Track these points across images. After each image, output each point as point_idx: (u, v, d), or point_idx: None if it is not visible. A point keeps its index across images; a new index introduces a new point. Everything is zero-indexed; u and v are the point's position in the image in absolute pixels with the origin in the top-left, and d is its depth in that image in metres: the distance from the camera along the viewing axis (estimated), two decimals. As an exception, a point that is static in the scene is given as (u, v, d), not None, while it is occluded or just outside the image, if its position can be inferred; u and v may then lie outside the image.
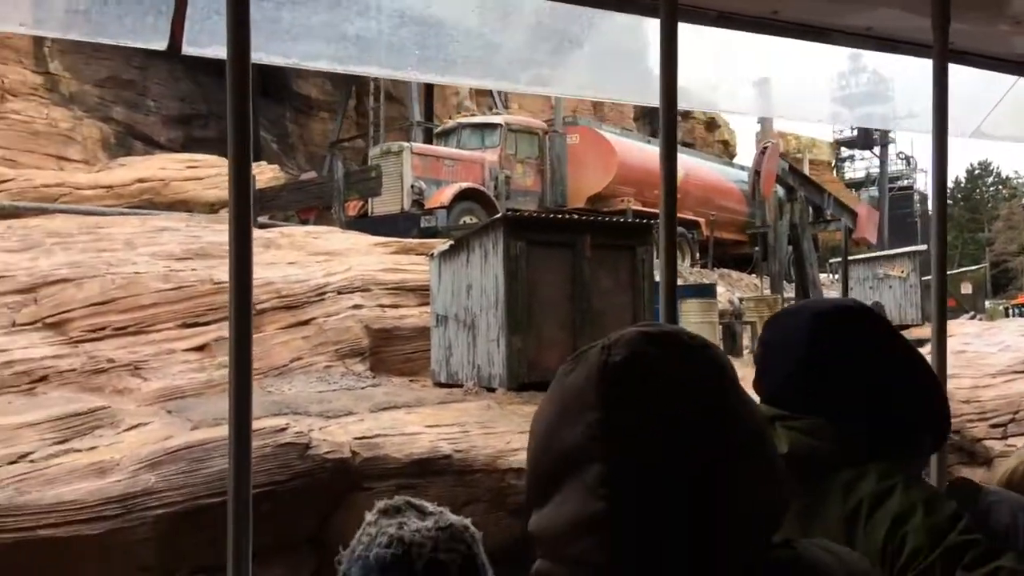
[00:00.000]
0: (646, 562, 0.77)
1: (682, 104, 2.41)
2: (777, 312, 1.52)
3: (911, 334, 18.19)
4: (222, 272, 9.68)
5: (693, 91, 2.74)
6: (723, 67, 2.74)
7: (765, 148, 18.04)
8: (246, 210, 1.68)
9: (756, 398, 1.30)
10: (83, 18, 1.90)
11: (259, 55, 1.89)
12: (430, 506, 1.27)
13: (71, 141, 18.31)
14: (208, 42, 1.92)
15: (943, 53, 2.24)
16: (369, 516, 1.27)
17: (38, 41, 18.52)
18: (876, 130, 37.12)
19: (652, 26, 2.12)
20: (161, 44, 1.91)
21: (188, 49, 1.92)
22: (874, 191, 32.10)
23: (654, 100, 2.13)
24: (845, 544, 1.04)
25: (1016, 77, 2.79)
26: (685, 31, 2.10)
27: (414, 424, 7.06)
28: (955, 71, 2.37)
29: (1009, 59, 2.66)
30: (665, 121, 2.10)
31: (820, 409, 1.30)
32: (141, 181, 15.55)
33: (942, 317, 2.27)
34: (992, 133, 3.14)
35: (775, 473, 0.84)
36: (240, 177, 1.66)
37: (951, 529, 1.19)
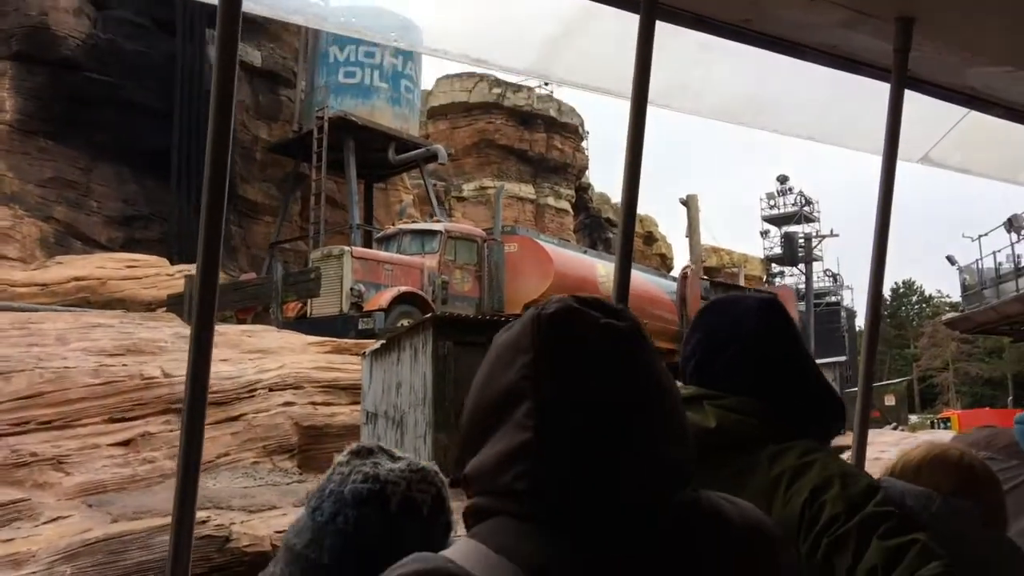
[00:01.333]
0: (565, 490, 0.82)
1: (653, 101, 2.44)
2: (710, 302, 1.61)
3: (832, 442, 18.64)
4: (152, 368, 9.74)
5: (667, 90, 2.69)
6: (700, 70, 2.68)
7: (685, 274, 18.81)
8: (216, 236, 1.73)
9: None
10: None
11: (248, 3, 1.89)
12: (398, 451, 1.28)
13: (9, 239, 18.27)
14: None
15: (901, 78, 2.33)
16: (340, 457, 1.27)
17: (-17, 141, 18.71)
18: (801, 247, 38.79)
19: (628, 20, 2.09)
20: None
21: None
22: (802, 306, 33.32)
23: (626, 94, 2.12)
24: (765, 511, 1.08)
25: (966, 109, 2.83)
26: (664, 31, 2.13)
27: (337, 518, 7.11)
28: (909, 97, 2.45)
29: (962, 91, 2.71)
30: (634, 116, 2.06)
31: (750, 389, 1.39)
32: (78, 279, 15.57)
33: (864, 424, 2.37)
34: (940, 161, 3.17)
35: (683, 430, 0.90)
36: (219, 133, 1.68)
37: (867, 501, 1.24)
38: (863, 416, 2.39)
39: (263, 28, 23.09)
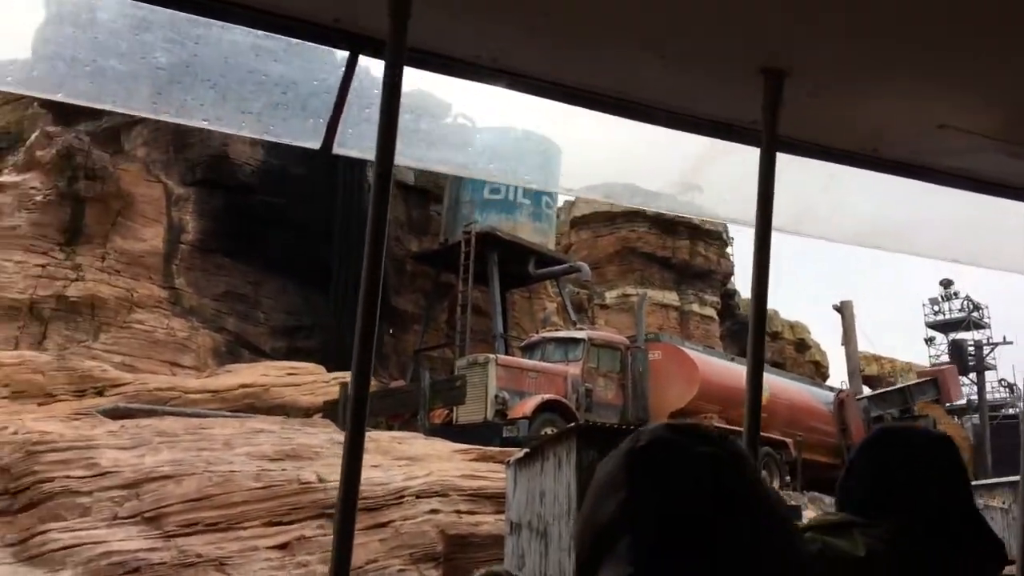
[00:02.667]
0: None
1: (786, 228, 2.47)
2: (879, 432, 1.63)
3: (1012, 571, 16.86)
4: (309, 473, 10.18)
5: (798, 217, 2.73)
6: (831, 196, 2.69)
7: (841, 400, 17.98)
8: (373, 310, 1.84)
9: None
10: (253, 118, 2.10)
11: (399, 158, 2.07)
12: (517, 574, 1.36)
13: (186, 349, 19.82)
14: (353, 145, 2.15)
15: None
16: None
17: (168, 259, 20.64)
18: (971, 356, 36.24)
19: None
20: (316, 144, 2.11)
21: (338, 149, 2.13)
22: (975, 418, 30.89)
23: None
24: None
25: None
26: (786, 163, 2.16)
27: (481, 630, 7.08)
28: None
29: None
30: (759, 247, 2.09)
31: (901, 520, 1.41)
32: (244, 386, 16.61)
33: None
34: None
35: (795, 556, 0.89)
36: (372, 269, 1.81)
37: None
38: None
39: (416, 149, 24.59)
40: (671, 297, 30.54)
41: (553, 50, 2.00)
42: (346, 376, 16.15)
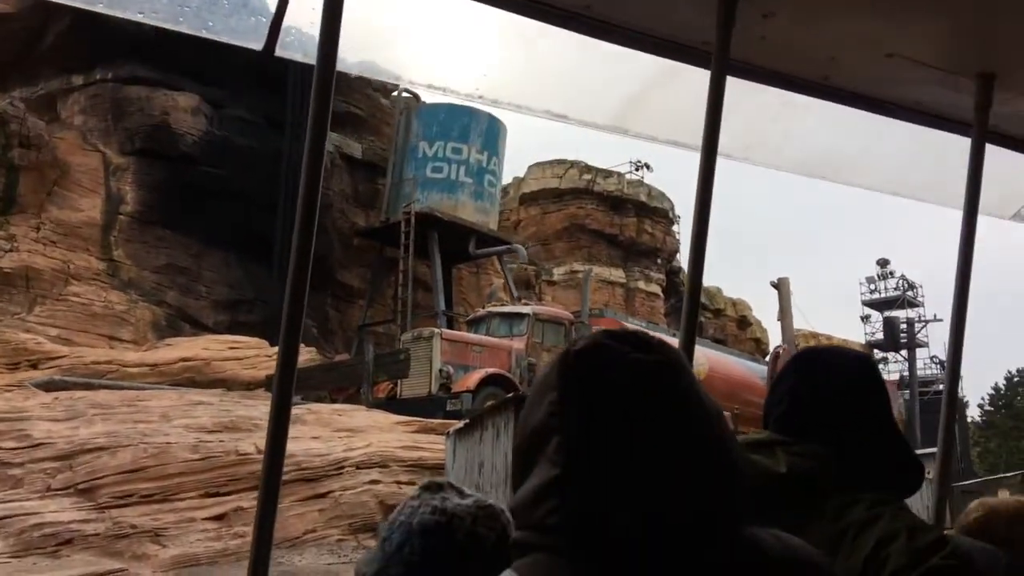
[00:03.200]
0: (593, 525, 0.82)
1: (734, 155, 2.45)
2: (804, 350, 1.61)
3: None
4: (247, 444, 10.14)
5: (746, 143, 2.71)
6: (780, 124, 2.67)
7: (777, 354, 18.40)
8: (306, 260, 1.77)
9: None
10: (192, 13, 2.01)
11: (342, 64, 1.98)
12: (467, 489, 1.32)
13: (125, 322, 19.46)
14: (297, 48, 2.07)
15: (981, 135, 2.31)
16: (412, 491, 1.33)
17: (106, 231, 20.18)
18: (904, 333, 37.28)
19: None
20: (258, 45, 2.04)
21: (280, 52, 2.06)
22: (906, 394, 31.83)
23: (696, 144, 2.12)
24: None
25: None
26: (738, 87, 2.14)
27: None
28: (1000, 153, 2.43)
29: None
30: (704, 171, 2.06)
31: (823, 439, 1.39)
32: (184, 360, 16.40)
33: (943, 487, 2.38)
34: None
35: (725, 466, 0.87)
36: (311, 175, 1.74)
37: (933, 554, 1.22)
38: (942, 476, 2.40)
39: (364, 122, 24.35)
40: (617, 274, 30.85)
41: None
42: (288, 349, 16.02)
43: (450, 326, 19.64)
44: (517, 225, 30.58)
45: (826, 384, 1.45)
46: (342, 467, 10.05)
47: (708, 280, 36.57)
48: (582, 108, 2.52)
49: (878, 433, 1.43)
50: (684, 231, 33.93)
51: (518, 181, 31.89)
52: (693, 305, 2.12)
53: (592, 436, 0.84)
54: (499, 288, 23.19)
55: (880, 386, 1.50)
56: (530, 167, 32.42)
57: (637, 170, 32.15)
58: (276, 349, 1.92)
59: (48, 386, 13.01)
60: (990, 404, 45.28)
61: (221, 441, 10.05)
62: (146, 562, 8.50)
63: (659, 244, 32.60)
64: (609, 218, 31.25)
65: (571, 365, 0.87)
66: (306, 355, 17.18)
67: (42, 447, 10.01)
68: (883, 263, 41.32)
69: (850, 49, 2.19)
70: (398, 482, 10.32)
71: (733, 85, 2.10)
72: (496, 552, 1.19)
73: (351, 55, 2.09)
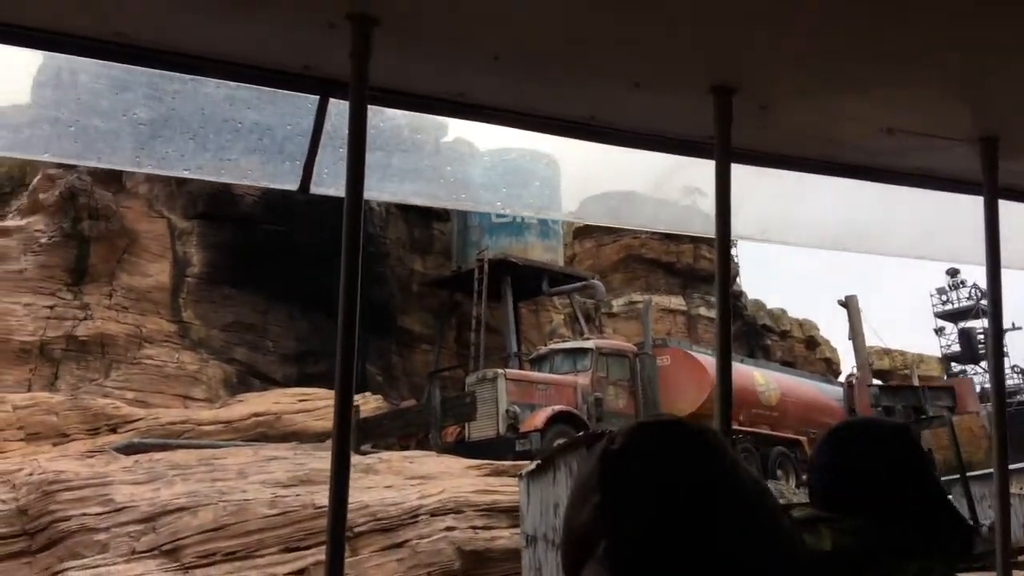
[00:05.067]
0: None
1: (752, 237, 2.60)
2: (841, 424, 1.64)
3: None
4: (322, 497, 10.24)
5: (763, 226, 2.84)
6: (793, 203, 2.78)
7: (851, 383, 17.93)
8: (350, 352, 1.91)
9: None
10: (232, 164, 2.20)
11: (373, 193, 2.22)
12: None
13: (197, 381, 19.94)
14: (331, 184, 2.24)
15: (993, 194, 2.35)
16: None
17: (175, 293, 20.79)
18: (981, 344, 36.07)
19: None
20: (293, 186, 2.22)
21: (315, 189, 2.23)
22: (991, 407, 30.66)
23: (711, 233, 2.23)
24: None
25: None
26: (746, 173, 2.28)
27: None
28: (1020, 208, 2.50)
29: None
30: (720, 257, 2.19)
31: (865, 512, 1.40)
32: (256, 415, 16.70)
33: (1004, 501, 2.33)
34: None
35: (777, 541, 0.88)
36: (348, 304, 1.91)
37: None
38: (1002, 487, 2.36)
39: (415, 169, 24.74)
40: (677, 302, 30.56)
41: (520, 82, 2.05)
42: (355, 398, 16.22)
43: (520, 367, 19.67)
44: (572, 259, 30.57)
45: (863, 457, 1.47)
46: (417, 515, 10.08)
47: (770, 302, 36.01)
48: (599, 210, 2.75)
49: (920, 501, 1.44)
50: (742, 254, 33.53)
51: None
52: (725, 341, 2.23)
53: (640, 535, 0.84)
54: (559, 324, 23.18)
55: (919, 453, 1.52)
56: (582, 202, 32.43)
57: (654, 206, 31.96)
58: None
59: (128, 449, 13.36)
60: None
61: (297, 495, 10.18)
62: (232, 620, 8.62)
63: (718, 269, 32.23)
64: (665, 246, 31.05)
65: (610, 464, 0.88)
66: (373, 403, 17.35)
67: (125, 511, 10.26)
68: (953, 273, 40.19)
69: (850, 127, 2.26)
70: (473, 527, 10.30)
71: (742, 171, 2.20)
72: None
73: (375, 186, 2.30)
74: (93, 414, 15.72)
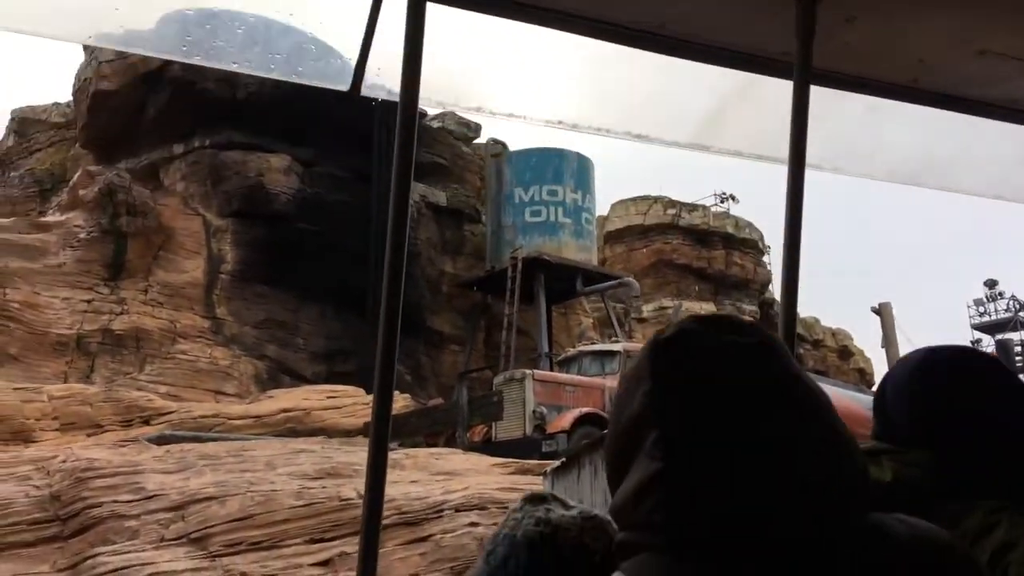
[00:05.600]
0: (704, 519, 0.78)
1: (824, 166, 2.38)
2: (905, 356, 1.54)
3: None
4: (348, 490, 10.30)
5: (836, 154, 2.64)
6: (870, 131, 2.60)
7: None
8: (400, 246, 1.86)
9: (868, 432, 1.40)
10: (282, 60, 2.12)
11: (425, 101, 2.07)
12: (572, 501, 1.28)
13: (229, 377, 20.18)
14: (382, 87, 2.15)
15: None
16: (514, 504, 1.30)
17: (209, 290, 21.08)
18: (1019, 357, 35.40)
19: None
20: (344, 86, 2.13)
21: (366, 91, 2.14)
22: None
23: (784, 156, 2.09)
24: None
25: None
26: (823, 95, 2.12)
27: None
28: None
29: None
30: (792, 185, 2.03)
31: (931, 445, 1.31)
32: (286, 411, 16.84)
33: None
34: None
35: (840, 449, 0.83)
36: (399, 208, 1.82)
37: None
38: None
39: (447, 170, 24.86)
40: (708, 308, 30.33)
41: None
42: (384, 396, 16.28)
43: (550, 368, 19.66)
44: (603, 264, 30.51)
45: (924, 387, 1.37)
46: (441, 510, 10.09)
47: (803, 310, 35.62)
48: (663, 127, 2.48)
49: (988, 435, 1.32)
50: (775, 261, 33.19)
51: (602, 219, 31.88)
52: (792, 282, 2.09)
53: (693, 424, 0.80)
54: (588, 327, 23.13)
55: (982, 383, 1.37)
56: (613, 205, 32.40)
57: (722, 202, 31.74)
58: (372, 397, 1.98)
59: (160, 440, 13.55)
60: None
61: (324, 487, 10.24)
62: (256, 608, 8.69)
63: (749, 275, 31.99)
64: (696, 252, 30.89)
65: (663, 352, 0.84)
66: (401, 402, 17.42)
67: (156, 499, 10.39)
68: (991, 284, 39.49)
69: (939, 49, 2.10)
70: (497, 523, 10.27)
71: (818, 94, 2.04)
72: (604, 564, 1.14)
73: (432, 92, 2.15)
74: (126, 406, 15.95)
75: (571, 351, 19.45)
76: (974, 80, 2.22)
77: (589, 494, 9.08)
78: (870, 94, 2.26)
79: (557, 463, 9.91)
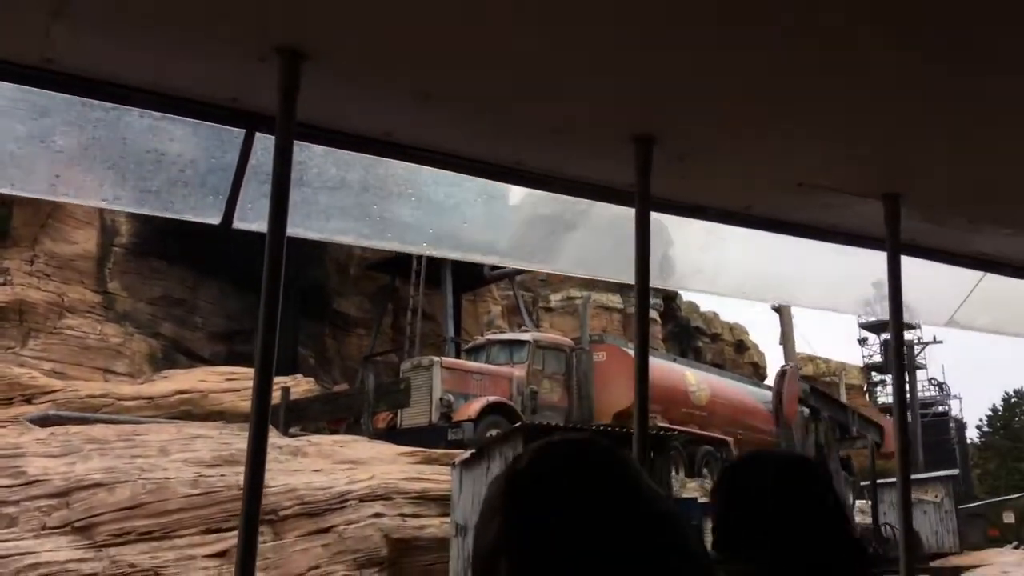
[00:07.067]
0: None
1: (671, 285, 2.64)
2: (736, 459, 1.65)
3: (948, 562, 17.39)
4: (249, 478, 9.95)
5: (681, 273, 2.94)
6: (712, 253, 2.88)
7: (784, 371, 18.36)
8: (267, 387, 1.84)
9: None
10: (154, 196, 2.17)
11: (298, 230, 2.22)
12: None
13: (120, 355, 19.24)
14: (254, 219, 2.21)
15: (896, 249, 2.46)
16: None
17: (100, 263, 20.02)
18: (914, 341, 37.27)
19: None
20: (216, 220, 2.19)
21: (238, 224, 2.21)
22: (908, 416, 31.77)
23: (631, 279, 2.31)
24: None
25: (982, 272, 2.95)
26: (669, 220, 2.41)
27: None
28: (928, 266, 2.62)
29: (972, 255, 2.83)
30: (639, 301, 2.28)
31: (756, 551, 1.38)
32: (181, 392, 16.17)
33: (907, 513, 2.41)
34: (967, 324, 3.31)
35: (680, 557, 0.88)
36: (266, 344, 1.84)
37: None
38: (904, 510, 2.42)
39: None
40: (615, 300, 30.77)
41: (447, 124, 2.05)
42: (286, 380, 15.83)
43: (457, 354, 19.47)
44: (513, 252, 30.57)
45: (745, 495, 1.44)
46: (345, 500, 9.85)
47: (705, 305, 36.59)
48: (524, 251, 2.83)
49: (808, 532, 1.38)
50: (680, 256, 33.92)
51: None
52: (643, 371, 2.39)
53: (541, 555, 0.84)
54: (497, 316, 23.07)
55: (822, 490, 1.44)
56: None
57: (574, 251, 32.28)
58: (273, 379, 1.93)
59: (43, 421, 12.77)
60: (988, 425, 45.13)
61: (222, 475, 9.84)
62: (145, 602, 8.28)
63: (655, 269, 32.62)
64: (605, 244, 31.28)
65: (514, 485, 0.88)
66: (304, 385, 16.98)
67: (37, 484, 9.78)
68: (879, 285, 41.36)
69: (763, 180, 2.35)
70: (402, 515, 10.11)
71: (661, 219, 2.31)
72: None
73: (299, 223, 2.28)
74: (7, 383, 15.01)
75: (480, 339, 19.35)
76: (798, 207, 2.47)
77: (498, 487, 9.02)
78: (708, 219, 2.50)
79: (466, 454, 9.80)
